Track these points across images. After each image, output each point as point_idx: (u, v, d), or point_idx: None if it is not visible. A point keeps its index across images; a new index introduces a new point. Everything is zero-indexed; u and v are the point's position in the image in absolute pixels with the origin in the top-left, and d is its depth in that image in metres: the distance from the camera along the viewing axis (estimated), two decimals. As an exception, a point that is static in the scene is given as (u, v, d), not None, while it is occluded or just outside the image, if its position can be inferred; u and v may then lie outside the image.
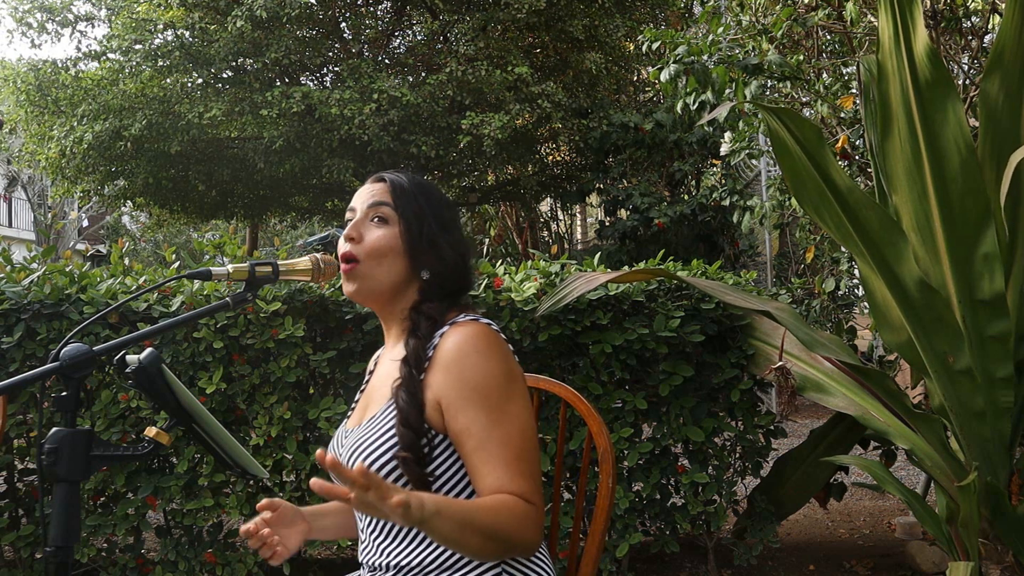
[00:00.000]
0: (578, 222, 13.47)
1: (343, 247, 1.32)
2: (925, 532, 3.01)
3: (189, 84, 8.22)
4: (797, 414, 6.66)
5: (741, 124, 3.92)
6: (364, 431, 1.27)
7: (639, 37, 5.52)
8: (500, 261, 6.30)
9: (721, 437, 3.01)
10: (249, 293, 1.28)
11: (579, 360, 2.83)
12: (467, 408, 1.19)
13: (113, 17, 8.65)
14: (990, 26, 3.41)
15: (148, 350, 1.18)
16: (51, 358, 1.11)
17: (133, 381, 1.15)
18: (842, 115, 3.76)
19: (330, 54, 8.69)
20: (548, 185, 9.54)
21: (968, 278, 2.26)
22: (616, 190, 7.96)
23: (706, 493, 2.92)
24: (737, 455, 3.07)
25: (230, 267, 1.26)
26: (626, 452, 2.85)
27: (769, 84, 3.79)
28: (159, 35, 8.11)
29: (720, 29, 3.40)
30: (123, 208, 13.76)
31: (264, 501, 1.35)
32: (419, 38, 9.20)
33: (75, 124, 7.81)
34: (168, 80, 7.94)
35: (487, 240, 12.24)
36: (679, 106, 3.45)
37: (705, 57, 3.26)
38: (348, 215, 1.36)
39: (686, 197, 7.92)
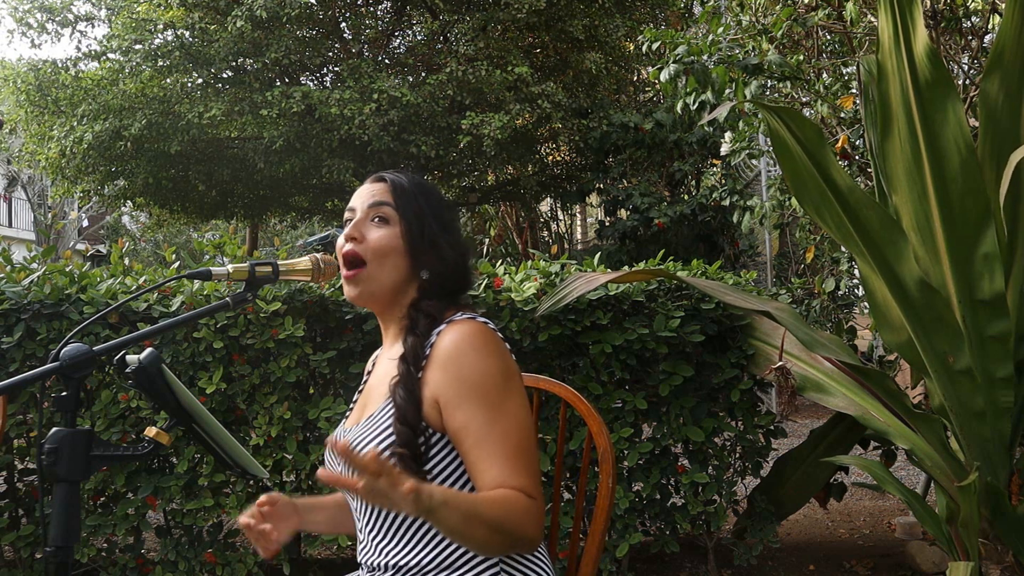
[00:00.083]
0: (578, 222, 13.47)
1: (345, 247, 1.31)
2: (925, 532, 3.01)
3: (189, 84, 8.22)
4: (797, 414, 6.66)
5: (741, 124, 3.92)
6: (362, 429, 1.27)
7: (639, 37, 5.53)
8: (500, 261, 6.30)
9: (721, 437, 3.01)
10: (249, 293, 1.28)
11: (579, 360, 2.83)
12: (466, 405, 1.19)
13: (113, 17, 8.65)
14: (990, 26, 3.41)
15: (148, 350, 1.18)
16: (51, 358, 1.11)
17: (133, 381, 1.15)
18: (842, 115, 3.76)
19: (330, 54, 8.69)
20: (548, 185, 9.54)
21: (968, 278, 2.26)
22: (616, 190, 7.97)
23: (706, 493, 2.92)
24: (737, 455, 3.07)
25: (230, 267, 1.26)
26: (626, 452, 2.85)
27: (769, 84, 3.79)
28: (159, 35, 8.11)
29: (720, 29, 3.40)
30: (123, 208, 13.76)
31: (264, 496, 1.35)
32: (419, 38, 9.20)
33: (75, 124, 7.81)
34: (168, 80, 7.94)
35: (487, 240, 12.24)
36: (679, 106, 3.45)
37: (705, 57, 3.26)
38: (347, 215, 1.36)
39: (686, 197, 7.93)
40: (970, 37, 3.40)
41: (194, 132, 7.46)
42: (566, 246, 11.95)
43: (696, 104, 3.26)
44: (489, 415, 1.19)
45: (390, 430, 1.22)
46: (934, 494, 2.74)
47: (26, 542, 2.76)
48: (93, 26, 9.25)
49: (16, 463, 2.83)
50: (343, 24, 8.79)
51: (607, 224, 8.16)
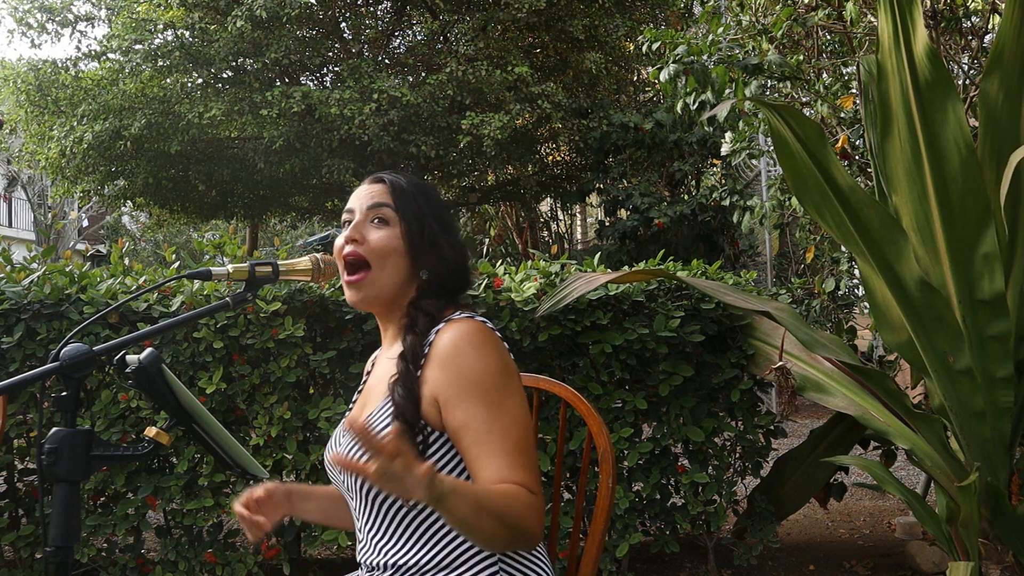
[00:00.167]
0: (578, 222, 13.47)
1: (346, 249, 1.31)
2: (925, 532, 3.01)
3: (189, 84, 8.22)
4: (797, 414, 6.66)
5: (741, 124, 3.92)
6: None
7: (639, 37, 5.52)
8: (500, 261, 6.30)
9: (721, 437, 3.01)
10: (249, 293, 1.28)
11: (579, 360, 2.83)
12: (465, 403, 1.20)
13: (113, 17, 8.66)
14: (990, 26, 3.41)
15: (148, 350, 1.18)
16: (51, 358, 1.11)
17: (133, 381, 1.15)
18: (842, 115, 3.76)
19: (330, 54, 8.69)
20: (548, 185, 9.54)
21: (968, 278, 2.26)
22: (616, 190, 7.97)
23: (706, 493, 2.92)
24: (737, 455, 3.07)
25: (230, 267, 1.26)
26: (626, 452, 2.85)
27: (769, 84, 3.79)
28: (159, 35, 8.11)
29: (720, 29, 3.40)
30: (123, 208, 13.77)
31: (261, 491, 1.37)
32: (419, 38, 9.20)
33: (75, 124, 7.81)
34: (168, 80, 7.94)
35: (487, 240, 12.24)
36: (679, 106, 3.45)
37: (705, 57, 3.26)
38: (346, 216, 1.36)
39: (686, 197, 7.93)
40: (970, 37, 3.40)
41: (194, 132, 7.47)
42: (566, 246, 11.95)
43: (696, 104, 3.26)
44: (489, 412, 1.19)
45: (389, 427, 1.22)
46: (934, 494, 2.74)
47: (26, 542, 2.76)
48: (93, 26, 9.26)
49: (16, 463, 2.83)
50: (343, 24, 8.79)
51: (607, 224, 8.16)
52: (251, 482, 2.72)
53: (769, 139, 3.64)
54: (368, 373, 1.45)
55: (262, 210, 10.06)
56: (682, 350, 2.86)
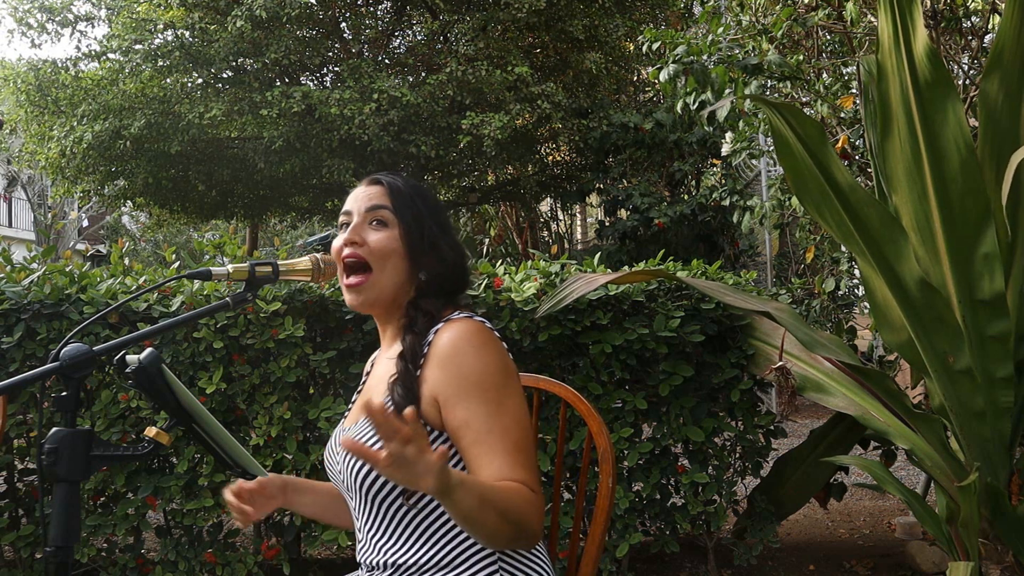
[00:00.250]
0: (578, 222, 13.47)
1: (346, 251, 1.31)
2: (925, 532, 3.01)
3: (189, 84, 8.22)
4: (797, 414, 6.66)
5: (741, 124, 3.92)
6: (360, 429, 1.28)
7: (639, 37, 5.53)
8: (500, 261, 6.30)
9: (721, 437, 3.01)
10: (249, 293, 1.28)
11: (579, 360, 2.83)
12: (465, 402, 1.20)
13: (113, 17, 8.66)
14: (990, 26, 3.41)
15: (148, 350, 1.18)
16: (51, 358, 1.11)
17: (133, 381, 1.15)
18: (842, 115, 3.76)
19: (330, 54, 8.69)
20: (548, 185, 9.54)
21: (968, 278, 2.26)
22: (616, 190, 7.97)
23: (706, 493, 2.92)
24: (737, 455, 3.07)
25: (230, 267, 1.26)
26: (626, 452, 2.85)
27: (769, 84, 3.79)
28: (159, 35, 8.11)
29: (720, 29, 3.40)
30: (123, 208, 13.77)
31: (255, 483, 1.37)
32: (419, 38, 9.20)
33: (75, 124, 7.81)
34: (168, 80, 7.94)
35: (487, 240, 12.24)
36: (679, 106, 3.45)
37: (705, 57, 3.26)
38: (343, 219, 1.36)
39: (686, 197, 7.93)
40: (970, 37, 3.40)
41: (194, 132, 7.47)
42: (566, 246, 11.96)
43: (696, 104, 3.26)
44: (489, 411, 1.20)
45: (388, 403, 1.23)
46: (934, 494, 2.74)
47: (26, 542, 2.75)
48: (93, 26, 9.26)
49: (16, 463, 2.83)
50: (343, 24, 8.79)
51: (607, 224, 8.16)
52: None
53: (769, 139, 3.64)
54: (367, 374, 1.46)
55: (262, 210, 10.05)
56: (682, 350, 2.86)
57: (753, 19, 3.76)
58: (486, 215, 12.26)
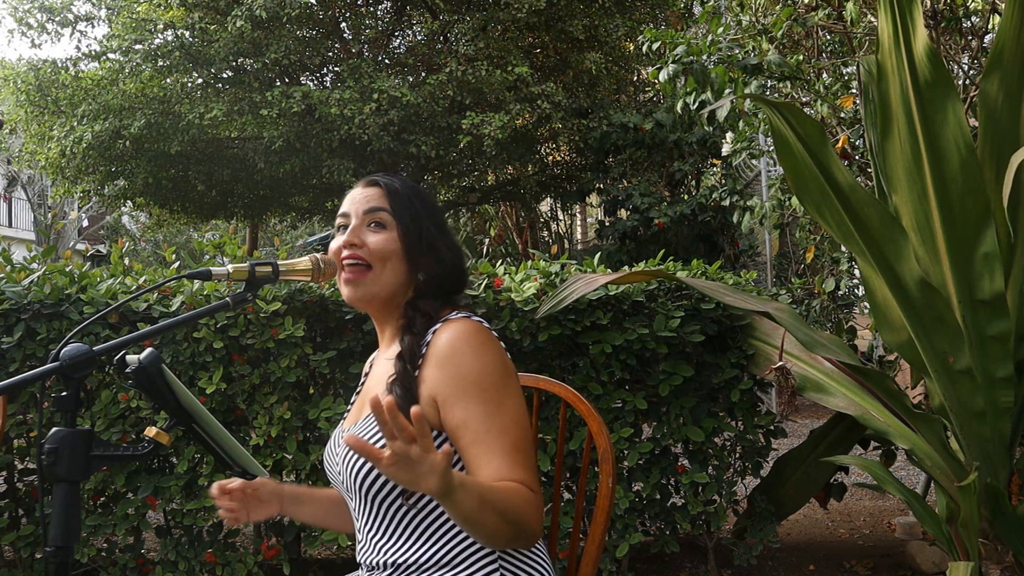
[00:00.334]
0: (578, 222, 13.47)
1: (345, 253, 1.31)
2: (925, 532, 3.01)
3: (189, 84, 8.22)
4: (797, 414, 6.66)
5: (741, 124, 3.92)
6: (359, 429, 1.28)
7: (639, 37, 5.53)
8: (500, 261, 6.30)
9: (721, 437, 3.01)
10: (249, 293, 1.28)
11: (579, 360, 2.83)
12: (464, 401, 1.20)
13: (113, 17, 8.66)
14: (990, 26, 3.41)
15: (148, 350, 1.18)
16: (51, 358, 1.11)
17: (133, 381, 1.15)
18: (842, 115, 3.76)
19: (330, 54, 8.69)
20: (548, 185, 9.54)
21: (968, 278, 2.26)
22: (616, 190, 7.97)
23: (706, 493, 2.92)
24: (737, 455, 3.07)
25: (230, 267, 1.26)
26: (626, 452, 2.85)
27: (769, 84, 3.79)
28: (159, 35, 8.11)
29: (720, 29, 3.40)
30: (123, 208, 13.77)
31: (245, 483, 1.37)
32: (419, 38, 9.20)
33: (75, 124, 7.81)
34: (168, 80, 7.94)
35: (487, 240, 12.24)
36: (679, 106, 3.45)
37: (704, 57, 3.26)
38: (340, 221, 1.36)
39: (686, 197, 7.93)
40: (970, 37, 3.40)
41: (194, 132, 7.47)
42: (566, 246, 11.96)
43: (696, 104, 3.26)
44: (488, 411, 1.20)
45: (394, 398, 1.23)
46: (934, 494, 2.74)
47: (26, 542, 2.75)
48: (93, 26, 9.26)
49: (16, 463, 2.83)
50: (343, 24, 8.79)
51: (607, 224, 8.16)
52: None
53: (769, 139, 3.64)
54: (366, 375, 1.46)
55: (262, 210, 10.06)
56: (682, 350, 2.86)
57: (753, 19, 3.76)
58: (486, 215, 12.26)
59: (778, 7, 3.58)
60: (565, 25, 7.98)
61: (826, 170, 2.24)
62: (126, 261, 3.00)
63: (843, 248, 4.20)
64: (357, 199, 1.35)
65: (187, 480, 2.73)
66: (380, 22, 9.08)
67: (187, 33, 7.95)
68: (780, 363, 2.75)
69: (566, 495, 3.00)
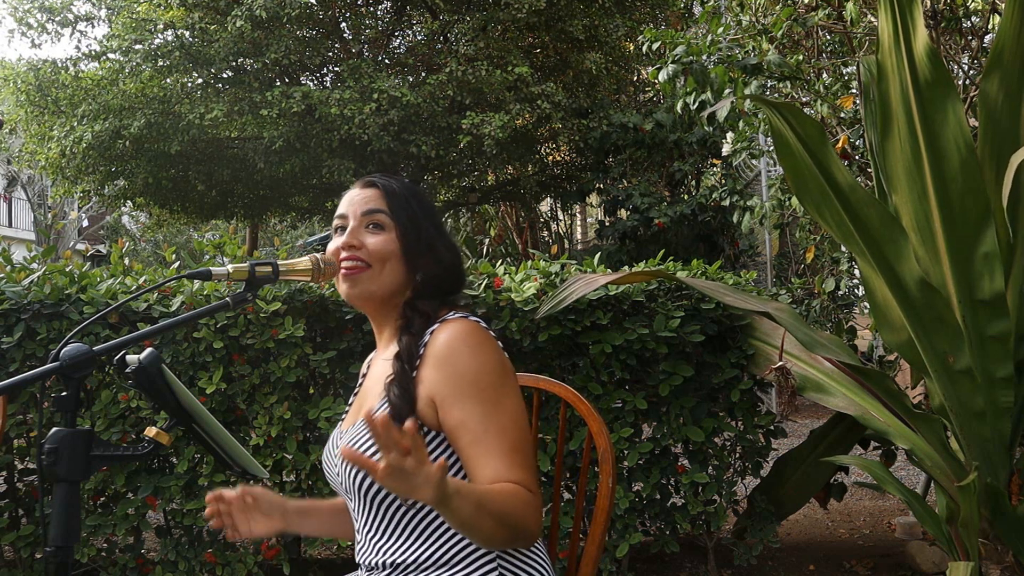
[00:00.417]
0: (578, 222, 13.47)
1: (343, 254, 1.31)
2: (925, 532, 3.01)
3: (189, 84, 8.23)
4: (797, 414, 6.66)
5: (741, 124, 3.92)
6: (358, 430, 1.28)
7: (639, 37, 5.53)
8: (500, 261, 6.30)
9: (721, 437, 3.01)
10: (249, 293, 1.28)
11: (579, 360, 2.83)
12: (462, 402, 1.20)
13: (113, 17, 8.66)
14: (990, 26, 3.41)
15: (148, 350, 1.18)
16: (51, 358, 1.10)
17: (133, 381, 1.15)
18: (842, 115, 3.76)
19: (330, 54, 8.69)
20: (548, 185, 9.54)
21: (968, 278, 2.26)
22: (616, 190, 7.97)
23: (706, 493, 2.92)
24: (737, 455, 3.07)
25: (230, 267, 1.26)
26: (626, 452, 2.85)
27: (769, 84, 3.79)
28: (159, 35, 8.11)
29: (720, 29, 3.40)
30: (123, 208, 13.77)
31: (244, 489, 1.37)
32: (419, 38, 9.20)
33: (75, 124, 7.81)
34: (168, 80, 7.95)
35: (487, 240, 12.24)
36: (679, 106, 3.45)
37: (704, 57, 3.26)
38: (338, 222, 1.35)
39: (686, 197, 7.93)
40: (970, 37, 3.40)
41: (194, 132, 7.47)
42: (566, 246, 11.96)
43: (696, 104, 3.26)
44: (486, 411, 1.20)
45: (388, 412, 1.23)
46: (934, 494, 2.74)
47: (26, 542, 2.75)
48: (93, 26, 9.27)
49: (16, 463, 2.83)
50: (343, 24, 8.79)
51: (607, 224, 8.17)
52: (251, 482, 2.72)
53: (769, 139, 3.64)
54: (364, 375, 1.45)
55: (262, 210, 10.06)
56: (682, 350, 2.86)
57: (753, 19, 3.76)
58: (486, 215, 12.26)
59: (778, 7, 3.58)
60: (565, 25, 7.98)
61: (826, 170, 2.24)
62: (126, 261, 3.00)
63: (843, 248, 4.20)
64: (355, 200, 1.35)
65: (187, 480, 2.73)
66: (380, 22, 9.08)
67: (187, 33, 7.95)
68: (780, 363, 2.75)
69: (566, 495, 3.00)
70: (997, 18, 3.31)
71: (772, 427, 3.05)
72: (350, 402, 1.45)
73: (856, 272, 4.28)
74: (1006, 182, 2.17)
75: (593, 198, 9.47)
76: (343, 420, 1.43)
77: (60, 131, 8.00)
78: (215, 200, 9.38)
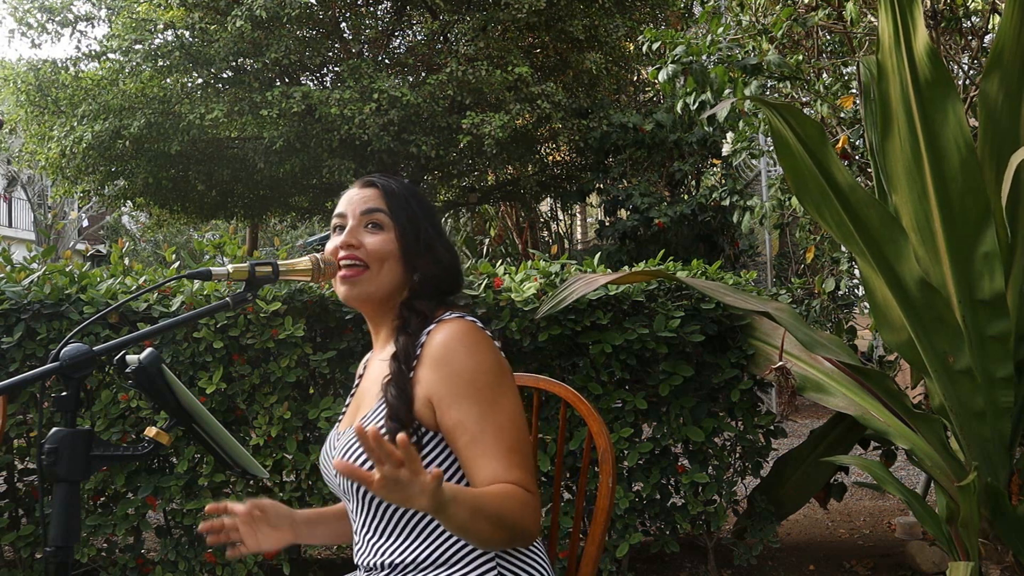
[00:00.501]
0: (578, 222, 13.47)
1: (342, 253, 1.31)
2: (925, 532, 3.01)
3: (189, 84, 8.23)
4: (797, 414, 6.66)
5: (741, 124, 3.92)
6: (351, 437, 1.27)
7: (639, 37, 5.53)
8: (500, 261, 6.30)
9: (721, 437, 3.01)
10: (249, 293, 1.28)
11: (579, 360, 2.83)
12: (459, 402, 1.20)
13: (113, 17, 8.66)
14: (990, 26, 3.41)
15: (148, 350, 1.18)
16: (51, 358, 1.10)
17: (133, 381, 1.15)
18: (842, 115, 3.76)
19: (330, 54, 8.69)
20: (548, 185, 9.54)
21: (968, 278, 2.26)
22: (616, 190, 7.97)
23: (706, 493, 2.92)
24: (737, 455, 3.07)
25: (230, 267, 1.26)
26: (626, 452, 2.85)
27: (769, 84, 3.79)
28: (159, 35, 8.11)
29: (720, 29, 3.40)
30: (123, 208, 13.77)
31: (253, 503, 1.37)
32: (419, 38, 9.20)
33: (75, 124, 7.81)
34: (168, 80, 7.95)
35: (487, 240, 12.24)
36: (679, 106, 3.45)
37: (704, 57, 3.26)
38: (337, 221, 1.35)
39: (686, 197, 7.93)
40: (970, 37, 3.40)
41: (194, 132, 7.47)
42: (566, 246, 11.96)
43: (696, 104, 3.26)
44: (483, 411, 1.19)
45: (383, 430, 1.22)
46: (934, 494, 2.74)
47: (26, 542, 2.75)
48: (93, 26, 9.26)
49: (16, 463, 2.83)
50: (343, 24, 8.79)
51: (607, 224, 8.17)
52: (251, 482, 2.72)
53: (769, 139, 3.64)
54: (360, 376, 1.45)
55: (262, 210, 10.06)
56: (682, 350, 2.85)
57: (753, 19, 3.76)
58: (486, 215, 12.26)
59: (778, 7, 3.58)
60: (565, 25, 7.98)
61: (826, 171, 2.24)
62: (126, 261, 3.00)
63: (843, 248, 4.20)
64: (354, 199, 1.35)
65: (187, 480, 2.73)
66: (380, 22, 9.08)
67: (187, 33, 7.95)
68: (780, 363, 2.75)
69: (566, 495, 3.00)
70: (997, 18, 3.31)
71: (772, 427, 3.05)
72: (347, 403, 1.45)
73: (856, 272, 4.28)
74: (1006, 182, 2.17)
75: (593, 198, 9.47)
76: (340, 421, 1.42)
77: (60, 131, 8.00)
78: (215, 200, 9.38)
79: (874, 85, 2.38)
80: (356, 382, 1.46)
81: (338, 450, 1.29)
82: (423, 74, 8.29)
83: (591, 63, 8.02)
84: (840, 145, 3.33)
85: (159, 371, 1.16)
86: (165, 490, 2.73)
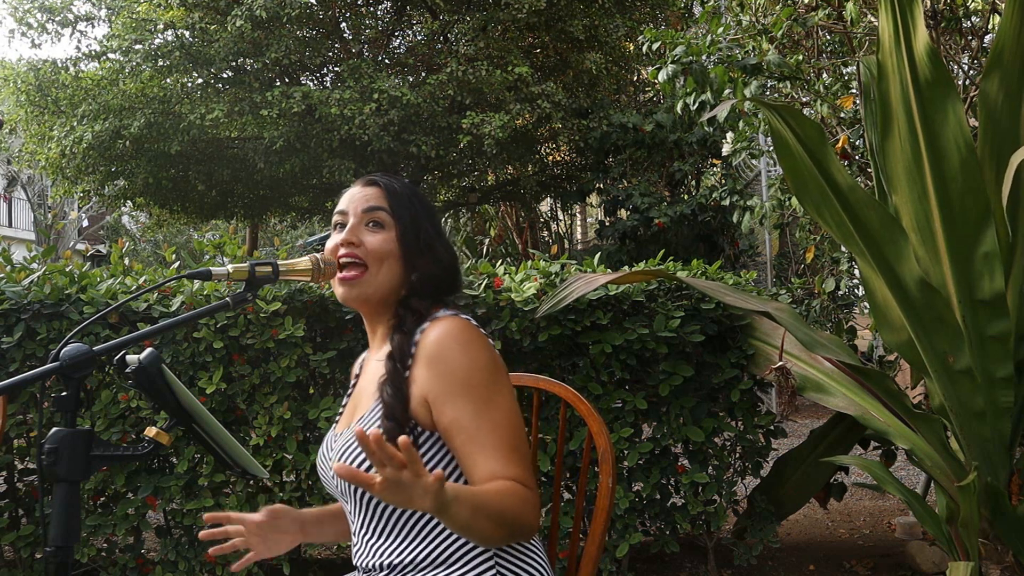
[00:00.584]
0: (578, 222, 13.47)
1: (342, 251, 1.31)
2: (925, 532, 3.01)
3: (189, 84, 8.23)
4: (797, 414, 6.66)
5: (741, 124, 3.92)
6: (350, 438, 1.27)
7: (639, 37, 5.53)
8: (500, 261, 6.30)
9: (721, 437, 3.01)
10: (249, 293, 1.27)
11: (579, 360, 2.83)
12: (455, 400, 1.20)
13: (113, 17, 8.66)
14: (990, 26, 3.41)
15: (148, 350, 1.18)
16: (51, 358, 1.10)
17: (133, 381, 1.15)
18: (842, 115, 3.76)
19: (330, 54, 8.69)
20: (548, 185, 9.54)
21: (968, 278, 2.26)
22: (616, 190, 7.97)
23: (706, 493, 2.92)
24: (737, 455, 3.07)
25: (230, 267, 1.26)
26: (626, 452, 2.85)
27: (769, 84, 3.79)
28: (159, 35, 8.11)
29: (720, 29, 3.40)
30: (123, 208, 13.76)
31: (267, 510, 1.36)
32: (419, 38, 9.20)
33: (75, 124, 7.81)
34: (168, 80, 7.95)
35: (487, 240, 12.24)
36: (679, 106, 3.45)
37: (704, 57, 3.26)
38: (338, 219, 1.35)
39: (686, 197, 7.93)
40: (970, 37, 3.40)
41: (194, 132, 7.47)
42: (566, 246, 11.96)
43: (696, 104, 3.26)
44: (478, 409, 1.20)
45: (380, 430, 1.22)
46: (934, 494, 2.74)
47: (26, 542, 2.75)
48: (93, 26, 9.26)
49: (16, 463, 2.83)
50: (343, 24, 8.79)
51: (607, 224, 8.17)
52: (251, 482, 2.72)
53: (769, 139, 3.64)
54: (357, 376, 1.45)
55: (262, 210, 10.06)
56: (682, 350, 2.86)
57: (753, 19, 3.76)
58: (486, 215, 12.26)
59: (778, 7, 3.58)
60: (565, 25, 7.99)
61: (826, 171, 2.24)
62: (126, 261, 3.00)
63: (843, 248, 4.20)
64: (356, 198, 1.34)
65: (187, 480, 2.73)
66: (380, 22, 9.08)
67: (187, 33, 7.96)
68: (780, 363, 2.75)
69: (566, 495, 3.00)
70: (997, 18, 3.31)
71: (772, 427, 3.05)
72: (344, 403, 1.45)
73: (856, 272, 4.28)
74: (1006, 182, 2.17)
75: (593, 198, 9.47)
76: (337, 422, 1.42)
77: (60, 131, 8.00)
78: (215, 200, 9.38)
79: (874, 85, 2.38)
80: (352, 382, 1.46)
81: (336, 452, 1.29)
82: (423, 74, 8.29)
83: (591, 63, 8.02)
84: (840, 145, 3.33)
85: (159, 371, 1.16)
86: (165, 490, 2.73)
